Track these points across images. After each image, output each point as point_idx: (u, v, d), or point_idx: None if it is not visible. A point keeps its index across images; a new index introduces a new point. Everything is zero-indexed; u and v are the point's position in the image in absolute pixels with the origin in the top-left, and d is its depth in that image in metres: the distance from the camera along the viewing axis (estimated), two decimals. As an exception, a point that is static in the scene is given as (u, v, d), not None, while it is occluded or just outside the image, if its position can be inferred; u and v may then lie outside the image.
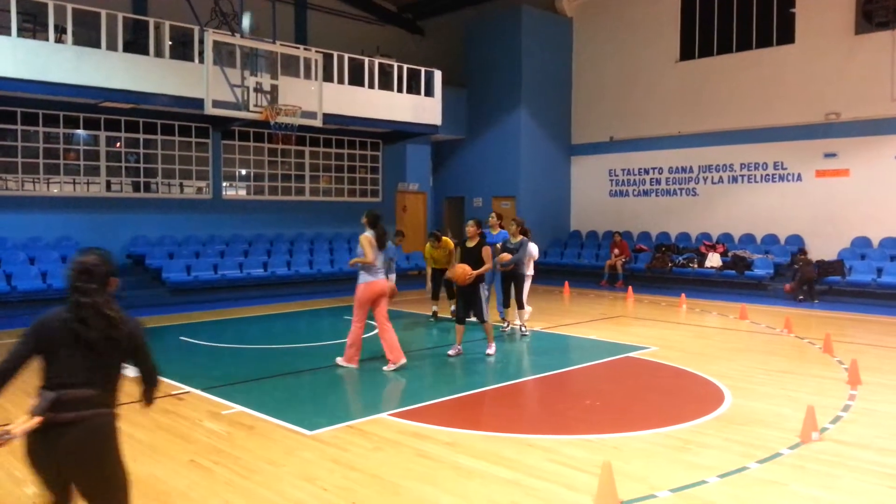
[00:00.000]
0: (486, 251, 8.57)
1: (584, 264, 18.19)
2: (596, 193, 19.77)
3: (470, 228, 8.71)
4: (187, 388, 7.06)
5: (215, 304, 13.69)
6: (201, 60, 13.38)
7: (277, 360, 8.55)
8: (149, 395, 3.17)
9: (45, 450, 2.83)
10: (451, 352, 8.71)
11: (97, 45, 12.79)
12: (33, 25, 12.92)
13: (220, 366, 8.26)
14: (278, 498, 4.35)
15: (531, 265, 10.83)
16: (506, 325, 10.45)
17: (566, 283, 16.33)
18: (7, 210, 13.44)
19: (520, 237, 10.06)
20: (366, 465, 4.90)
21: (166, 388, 7.09)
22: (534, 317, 11.20)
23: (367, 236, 7.84)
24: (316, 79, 14.59)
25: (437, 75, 17.75)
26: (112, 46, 12.93)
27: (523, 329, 10.21)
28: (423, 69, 17.65)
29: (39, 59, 12.12)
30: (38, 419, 2.83)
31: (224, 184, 16.50)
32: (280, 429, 5.74)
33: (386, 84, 16.98)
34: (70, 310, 2.90)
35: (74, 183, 14.48)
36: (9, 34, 11.85)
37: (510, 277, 10.08)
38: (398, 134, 18.43)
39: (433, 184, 21.18)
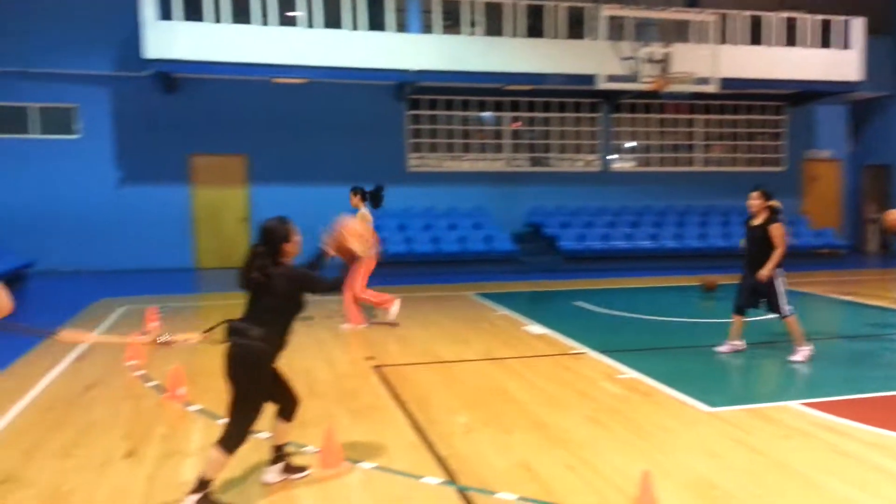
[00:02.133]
0: (777, 230, 6.68)
1: None
2: None
3: (753, 201, 6.82)
4: (583, 349, 7.46)
5: (604, 272, 14.14)
6: (593, 37, 13.84)
7: (669, 333, 8.45)
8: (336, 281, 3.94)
9: (224, 360, 3.68)
10: (723, 348, 7.27)
11: (502, 33, 14.20)
12: (452, 22, 14.92)
13: (612, 332, 8.52)
14: (675, 466, 4.32)
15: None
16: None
17: None
18: (432, 184, 15.83)
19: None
20: (772, 452, 4.55)
21: (564, 347, 7.60)
22: None
23: (365, 213, 7.95)
24: (711, 42, 13.91)
25: (858, 23, 15.26)
26: (515, 33, 14.20)
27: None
28: (838, 18, 15.36)
29: (457, 51, 13.94)
30: (197, 336, 4.06)
31: (612, 156, 16.85)
32: (676, 400, 5.67)
33: (792, 39, 15.28)
34: (244, 261, 3.70)
35: (483, 160, 16.35)
36: (436, 32, 13.89)
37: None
38: (806, 94, 16.43)
39: (851, 150, 18.36)
